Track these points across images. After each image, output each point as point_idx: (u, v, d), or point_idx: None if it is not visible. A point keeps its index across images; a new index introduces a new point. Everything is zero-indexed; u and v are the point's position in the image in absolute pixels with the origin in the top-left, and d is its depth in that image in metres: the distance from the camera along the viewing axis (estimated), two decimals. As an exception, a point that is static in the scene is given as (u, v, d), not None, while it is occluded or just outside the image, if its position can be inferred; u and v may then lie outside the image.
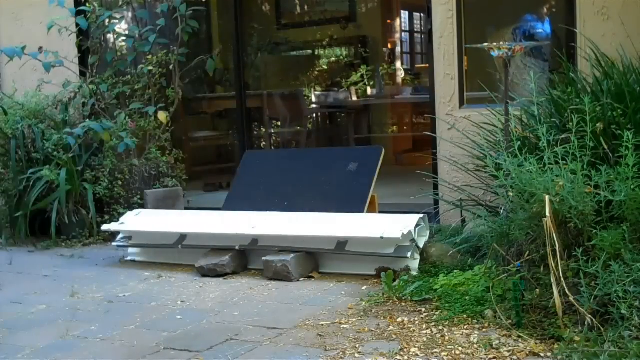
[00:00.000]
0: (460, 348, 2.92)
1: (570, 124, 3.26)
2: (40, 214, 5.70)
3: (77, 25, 5.94)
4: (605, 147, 3.33)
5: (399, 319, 3.33)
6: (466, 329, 3.14)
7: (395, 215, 4.34)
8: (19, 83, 6.34)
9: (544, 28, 5.72)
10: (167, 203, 5.59)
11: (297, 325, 3.36)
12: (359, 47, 9.99)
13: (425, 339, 3.06)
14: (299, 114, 8.77)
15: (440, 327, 3.19)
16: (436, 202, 4.82)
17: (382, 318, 3.38)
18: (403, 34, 10.66)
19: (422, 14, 10.09)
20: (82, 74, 6.26)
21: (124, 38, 6.28)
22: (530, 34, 5.66)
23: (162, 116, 5.85)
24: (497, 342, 2.95)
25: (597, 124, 3.32)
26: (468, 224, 4.38)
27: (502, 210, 3.75)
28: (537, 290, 3.14)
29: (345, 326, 3.30)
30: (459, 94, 4.97)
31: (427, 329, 3.19)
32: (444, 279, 3.71)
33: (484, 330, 3.12)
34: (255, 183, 5.17)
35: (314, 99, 9.45)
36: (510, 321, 3.10)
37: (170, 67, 6.03)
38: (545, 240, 3.02)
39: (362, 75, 9.52)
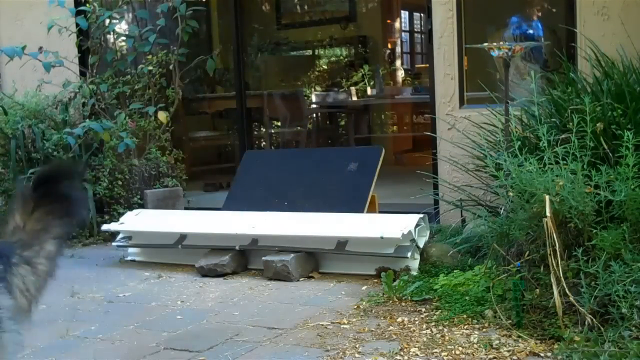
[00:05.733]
0: (460, 348, 2.92)
1: (571, 124, 3.26)
2: (40, 214, 5.69)
3: (77, 25, 5.94)
4: (605, 147, 3.33)
5: (399, 319, 3.33)
6: (466, 329, 3.14)
7: (395, 215, 4.33)
8: (19, 83, 6.34)
9: (541, 27, 5.72)
10: (167, 203, 5.59)
11: (297, 325, 3.36)
12: (359, 47, 9.99)
13: (425, 339, 3.06)
14: (299, 114, 8.77)
15: (440, 327, 3.19)
16: (436, 202, 4.82)
17: (382, 318, 3.38)
18: (403, 34, 10.67)
19: (422, 14, 10.10)
20: (82, 74, 6.26)
21: (124, 38, 6.28)
22: (530, 34, 5.66)
23: (162, 116, 5.85)
24: (497, 342, 2.95)
25: (597, 124, 3.32)
26: (468, 224, 4.38)
27: (502, 210, 3.75)
28: (537, 290, 3.14)
29: (345, 326, 3.30)
30: (459, 94, 4.97)
31: (427, 329, 3.19)
32: (444, 279, 3.71)
33: (484, 330, 3.12)
34: (255, 183, 5.16)
35: (314, 99, 9.45)
36: (510, 321, 3.10)
37: (170, 67, 6.03)
38: (545, 240, 3.02)
39: (362, 75, 9.52)
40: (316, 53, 10.20)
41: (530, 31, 5.65)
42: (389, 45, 10.21)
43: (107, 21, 5.97)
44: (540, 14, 5.78)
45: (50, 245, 2.04)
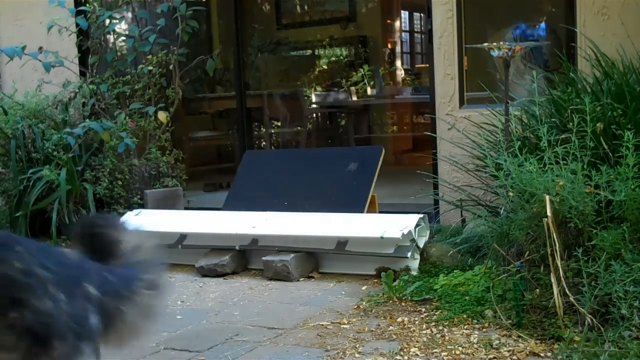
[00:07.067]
0: (460, 348, 2.92)
1: (571, 123, 3.26)
2: (40, 214, 5.69)
3: (77, 25, 5.94)
4: (606, 147, 3.33)
5: (399, 319, 3.33)
6: (466, 329, 3.14)
7: (395, 215, 4.33)
8: (19, 83, 6.34)
9: (543, 28, 5.72)
10: (167, 203, 5.58)
11: (297, 325, 3.36)
12: (359, 47, 9.99)
13: (425, 339, 3.06)
14: (299, 114, 8.77)
15: (440, 327, 3.19)
16: (436, 202, 4.82)
17: (382, 318, 3.38)
18: (403, 34, 10.67)
19: (422, 14, 10.10)
20: (82, 74, 6.26)
21: (124, 38, 6.28)
22: (530, 34, 5.66)
23: (162, 116, 5.85)
24: (497, 342, 2.95)
25: (597, 124, 3.32)
26: (468, 224, 4.38)
27: (502, 210, 3.75)
28: (537, 290, 3.14)
29: (345, 326, 3.30)
30: (459, 94, 4.97)
31: (427, 329, 3.19)
32: (444, 279, 3.71)
33: (484, 330, 3.12)
34: (255, 183, 5.16)
35: (314, 99, 9.45)
36: (510, 321, 3.10)
37: (170, 67, 6.03)
38: (545, 240, 3.02)
39: (362, 75, 9.52)
40: (316, 53, 10.19)
41: (540, 32, 5.65)
42: (389, 45, 10.21)
43: (107, 21, 5.96)
44: (540, 14, 5.78)
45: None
